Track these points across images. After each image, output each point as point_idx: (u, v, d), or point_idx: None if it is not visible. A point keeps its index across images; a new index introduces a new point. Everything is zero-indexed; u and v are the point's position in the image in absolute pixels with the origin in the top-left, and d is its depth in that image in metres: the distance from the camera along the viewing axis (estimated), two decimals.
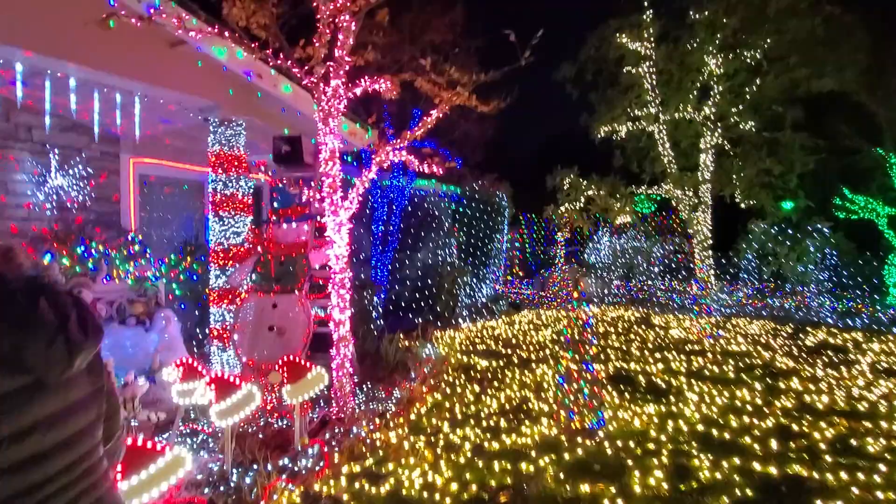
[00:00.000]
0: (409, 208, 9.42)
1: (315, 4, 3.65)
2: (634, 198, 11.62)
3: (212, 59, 4.76)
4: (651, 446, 3.73)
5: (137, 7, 3.27)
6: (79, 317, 1.06)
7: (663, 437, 3.88)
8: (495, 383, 5.35)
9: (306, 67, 3.77)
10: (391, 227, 8.78)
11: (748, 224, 12.83)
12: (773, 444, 3.74)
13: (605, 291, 12.10)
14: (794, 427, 4.08)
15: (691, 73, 12.22)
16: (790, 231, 11.59)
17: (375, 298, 7.35)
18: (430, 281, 9.08)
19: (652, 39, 11.83)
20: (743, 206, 12.22)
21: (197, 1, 3.94)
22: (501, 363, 6.18)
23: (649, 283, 13.48)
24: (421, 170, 4.63)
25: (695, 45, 11.76)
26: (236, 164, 5.30)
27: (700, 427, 4.09)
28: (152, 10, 3.17)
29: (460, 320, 8.94)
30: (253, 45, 3.63)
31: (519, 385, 5.28)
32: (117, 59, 4.34)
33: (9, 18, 3.67)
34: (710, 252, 11.66)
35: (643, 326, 8.65)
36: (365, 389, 4.99)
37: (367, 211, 8.84)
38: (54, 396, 1.03)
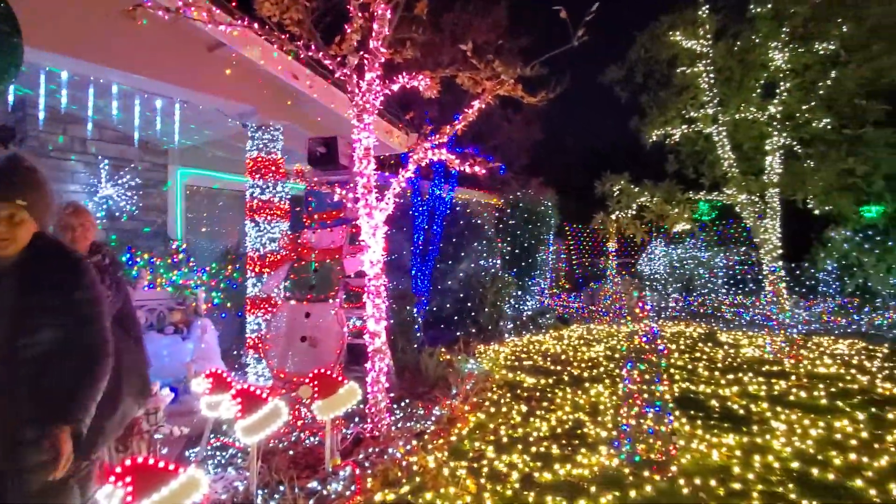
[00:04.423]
0: (451, 217, 9.11)
1: None
2: (693, 204, 10.74)
3: (249, 63, 4.69)
4: (736, 486, 3.13)
5: (167, 1, 3.17)
6: None
7: (750, 476, 3.27)
8: (545, 403, 4.86)
9: (338, 59, 3.55)
10: (432, 237, 8.49)
11: (824, 232, 11.57)
12: (894, 489, 3.05)
13: (662, 305, 11.22)
14: None
15: (754, 70, 11.29)
16: (878, 238, 10.30)
17: (415, 310, 7.04)
18: (472, 292, 8.68)
19: (709, 36, 11.06)
20: (817, 212, 11.04)
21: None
22: (551, 381, 5.66)
23: (712, 296, 12.42)
24: (462, 170, 4.29)
25: (757, 39, 10.87)
26: (273, 169, 5.18)
27: (795, 464, 3.44)
28: (181, 3, 3.05)
29: (505, 334, 8.47)
30: (283, 37, 3.46)
31: (572, 406, 4.76)
32: (156, 64, 4.34)
33: (51, 26, 3.70)
34: (781, 263, 10.57)
35: (709, 344, 7.85)
36: (403, 406, 4.65)
37: (408, 220, 8.61)
38: None
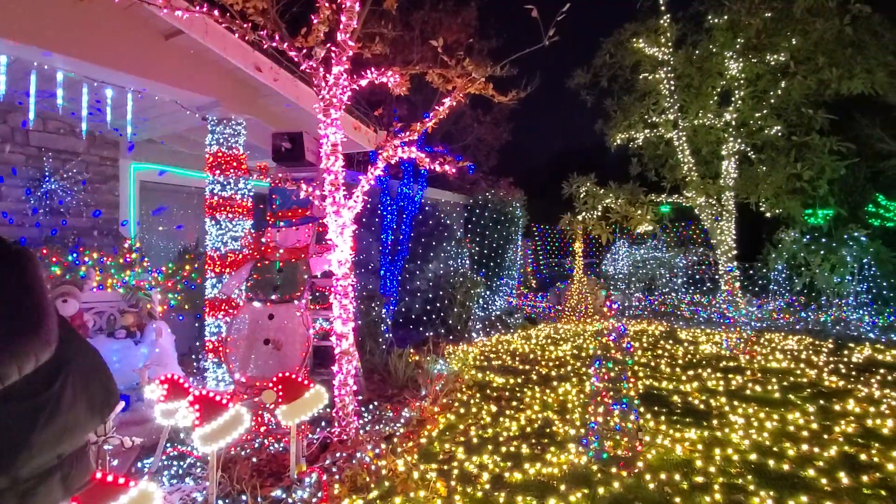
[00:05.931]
0: (420, 217, 9.04)
1: None
2: (655, 207, 11.10)
3: (209, 53, 4.47)
4: (699, 479, 3.22)
5: None
6: None
7: (712, 468, 3.37)
8: (514, 403, 4.87)
9: (304, 50, 3.43)
10: (401, 237, 8.39)
11: (775, 234, 12.19)
12: (843, 477, 3.21)
13: (626, 304, 11.52)
14: (863, 457, 3.54)
15: (711, 77, 11.80)
16: (823, 240, 10.93)
17: (384, 310, 6.93)
18: (441, 293, 8.65)
19: (670, 44, 11.46)
20: (768, 215, 11.63)
21: None
22: (520, 380, 5.69)
23: (672, 295, 12.85)
24: (432, 168, 4.25)
25: (714, 49, 11.36)
26: (235, 164, 4.97)
27: (753, 456, 3.57)
28: None
29: (473, 334, 8.47)
30: (245, 26, 3.31)
31: (540, 405, 4.79)
32: (107, 51, 4.06)
33: None
34: (736, 263, 11.06)
35: (670, 341, 8.10)
36: (371, 409, 4.55)
37: (376, 219, 8.48)
38: None
